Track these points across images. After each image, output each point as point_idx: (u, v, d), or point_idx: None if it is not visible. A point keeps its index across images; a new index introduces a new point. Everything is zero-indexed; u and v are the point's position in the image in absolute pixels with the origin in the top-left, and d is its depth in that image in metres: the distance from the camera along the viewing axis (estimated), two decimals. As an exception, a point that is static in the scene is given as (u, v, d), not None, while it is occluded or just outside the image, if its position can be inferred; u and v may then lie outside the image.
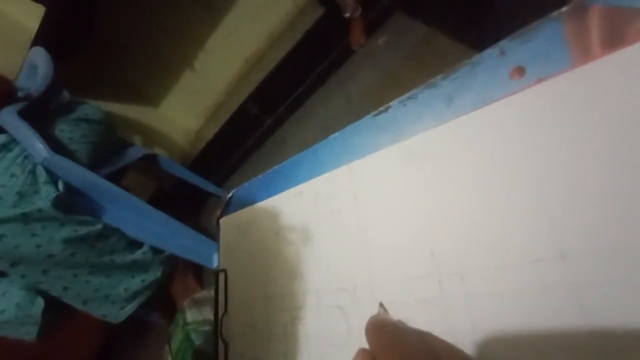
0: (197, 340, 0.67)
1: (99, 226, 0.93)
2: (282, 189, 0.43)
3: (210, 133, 1.79)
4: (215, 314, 0.46)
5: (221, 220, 0.52)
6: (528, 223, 0.24)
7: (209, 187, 1.55)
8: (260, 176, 0.48)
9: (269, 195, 0.44)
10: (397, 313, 0.29)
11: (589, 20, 0.24)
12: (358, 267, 0.33)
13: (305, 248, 0.38)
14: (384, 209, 0.32)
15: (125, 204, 1.07)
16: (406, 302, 0.28)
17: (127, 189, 1.10)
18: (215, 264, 0.77)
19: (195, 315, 0.77)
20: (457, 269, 0.26)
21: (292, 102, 1.70)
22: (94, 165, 1.12)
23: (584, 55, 0.24)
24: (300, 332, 0.36)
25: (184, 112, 1.88)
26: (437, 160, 0.29)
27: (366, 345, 0.25)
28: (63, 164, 0.91)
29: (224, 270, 0.47)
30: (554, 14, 0.26)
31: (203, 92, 1.90)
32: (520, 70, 0.28)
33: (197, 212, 1.69)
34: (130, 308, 0.94)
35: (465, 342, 0.25)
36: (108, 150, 1.24)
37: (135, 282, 0.96)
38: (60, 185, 0.89)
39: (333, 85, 1.60)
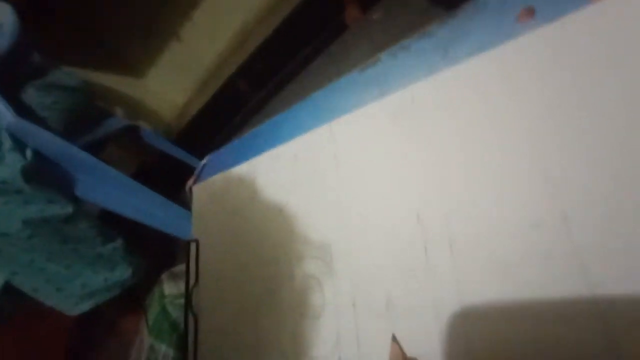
0: (174, 313, 0.64)
1: (68, 209, 0.82)
2: (260, 152, 0.39)
3: (196, 107, 1.72)
4: (187, 285, 0.43)
5: (194, 188, 0.48)
6: (527, 183, 0.21)
7: (194, 162, 1.49)
8: (236, 140, 0.44)
9: (246, 160, 0.40)
10: (376, 284, 0.26)
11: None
12: (335, 233, 0.30)
13: (280, 214, 0.34)
14: (367, 169, 0.28)
15: (101, 175, 1.01)
16: (387, 272, 0.26)
17: (107, 162, 1.05)
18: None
19: (172, 288, 0.74)
20: (445, 235, 0.23)
21: (282, 78, 1.63)
22: (68, 134, 1.05)
23: (606, -15, 0.20)
24: (273, 303, 0.33)
25: (169, 84, 1.80)
26: (428, 114, 0.26)
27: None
28: (31, 130, 0.84)
29: (196, 240, 0.44)
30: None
31: (190, 64, 1.81)
32: (529, 12, 0.24)
33: (181, 187, 1.64)
34: (84, 306, 0.85)
35: (449, 313, 0.22)
36: (85, 120, 1.16)
37: (97, 279, 0.86)
38: (29, 154, 0.83)
39: (325, 62, 1.54)
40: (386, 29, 1.37)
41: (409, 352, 0.24)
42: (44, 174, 0.86)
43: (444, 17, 0.29)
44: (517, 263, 0.20)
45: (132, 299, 0.98)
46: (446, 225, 0.23)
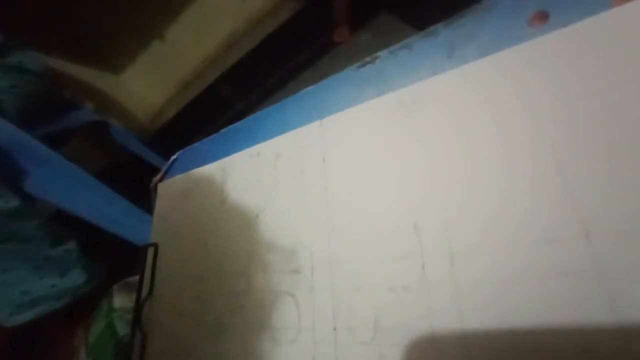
0: (122, 331, 0.56)
1: (13, 203, 0.70)
2: (238, 150, 0.35)
3: (174, 110, 1.65)
4: (138, 296, 0.37)
5: (159, 185, 0.43)
6: (543, 193, 0.18)
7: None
8: (213, 135, 0.39)
9: (222, 157, 0.36)
10: (363, 304, 0.23)
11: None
12: (319, 244, 0.26)
13: (256, 219, 0.30)
14: (359, 172, 0.25)
15: (58, 170, 0.92)
16: (376, 290, 0.22)
17: (70, 158, 0.95)
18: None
19: (124, 301, 0.65)
20: (446, 248, 0.20)
21: (267, 88, 1.61)
22: (25, 122, 0.95)
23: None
24: (239, 323, 0.28)
25: (147, 83, 1.72)
26: (430, 115, 0.23)
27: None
28: (-24, 113, 0.75)
29: (155, 244, 0.39)
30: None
31: (171, 65, 1.76)
32: (542, 16, 0.23)
33: (150, 193, 1.54)
34: (23, 317, 0.71)
35: (449, 341, 0.19)
36: (47, 109, 1.07)
37: (42, 285, 0.73)
38: (-33, 138, 0.73)
39: (311, 76, 1.54)
40: (373, 51, 1.39)
41: (398, 389, 0.20)
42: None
43: (450, 19, 0.27)
44: (528, 282, 0.17)
45: (77, 311, 0.86)
46: (447, 236, 0.20)
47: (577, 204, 0.17)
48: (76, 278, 0.82)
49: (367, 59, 0.30)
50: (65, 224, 0.92)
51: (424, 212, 0.22)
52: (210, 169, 0.37)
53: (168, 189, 0.42)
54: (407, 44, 0.28)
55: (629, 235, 0.16)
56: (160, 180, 0.43)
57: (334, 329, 0.23)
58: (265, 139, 0.33)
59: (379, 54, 0.30)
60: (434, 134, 0.23)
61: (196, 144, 0.42)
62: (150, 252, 0.39)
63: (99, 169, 1.60)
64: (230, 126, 0.38)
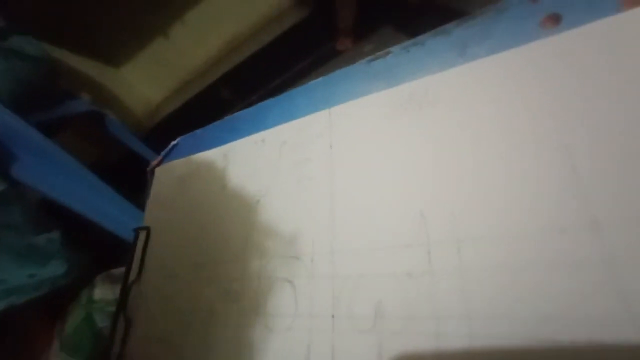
0: (101, 322, 0.53)
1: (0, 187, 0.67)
2: (241, 137, 0.35)
3: (172, 107, 1.64)
4: (125, 279, 0.35)
5: (157, 169, 0.42)
6: (552, 185, 0.18)
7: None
8: (217, 122, 0.39)
9: (225, 143, 0.36)
10: (363, 291, 0.22)
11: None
12: (321, 230, 0.25)
13: (257, 205, 0.30)
14: (367, 159, 0.25)
15: (49, 157, 0.90)
16: (378, 277, 0.22)
17: (62, 147, 0.93)
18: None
19: (106, 293, 0.62)
20: (453, 236, 0.20)
21: (267, 92, 1.62)
22: (20, 107, 0.93)
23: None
24: (230, 312, 0.27)
25: (147, 79, 1.72)
26: (441, 106, 0.24)
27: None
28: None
29: (147, 228, 0.37)
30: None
31: (173, 64, 1.76)
32: (554, 18, 0.24)
33: (142, 189, 1.51)
34: None
35: (453, 329, 0.18)
36: (44, 96, 1.05)
37: (19, 274, 0.69)
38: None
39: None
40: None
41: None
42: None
43: (463, 18, 0.28)
44: (534, 272, 0.17)
45: (56, 303, 0.82)
46: (454, 225, 0.20)
47: (585, 196, 0.17)
48: (57, 268, 0.79)
49: (379, 53, 0.31)
50: (50, 213, 0.89)
51: (431, 201, 0.21)
52: (212, 155, 0.36)
53: (166, 173, 0.41)
54: (420, 41, 0.29)
55: (637, 224, 0.16)
56: (158, 164, 0.42)
57: (332, 316, 0.22)
58: (269, 127, 0.32)
59: (391, 49, 0.30)
60: (442, 125, 0.23)
61: (198, 130, 0.41)
62: (142, 235, 0.37)
63: (90, 163, 1.57)
64: (235, 114, 0.37)
